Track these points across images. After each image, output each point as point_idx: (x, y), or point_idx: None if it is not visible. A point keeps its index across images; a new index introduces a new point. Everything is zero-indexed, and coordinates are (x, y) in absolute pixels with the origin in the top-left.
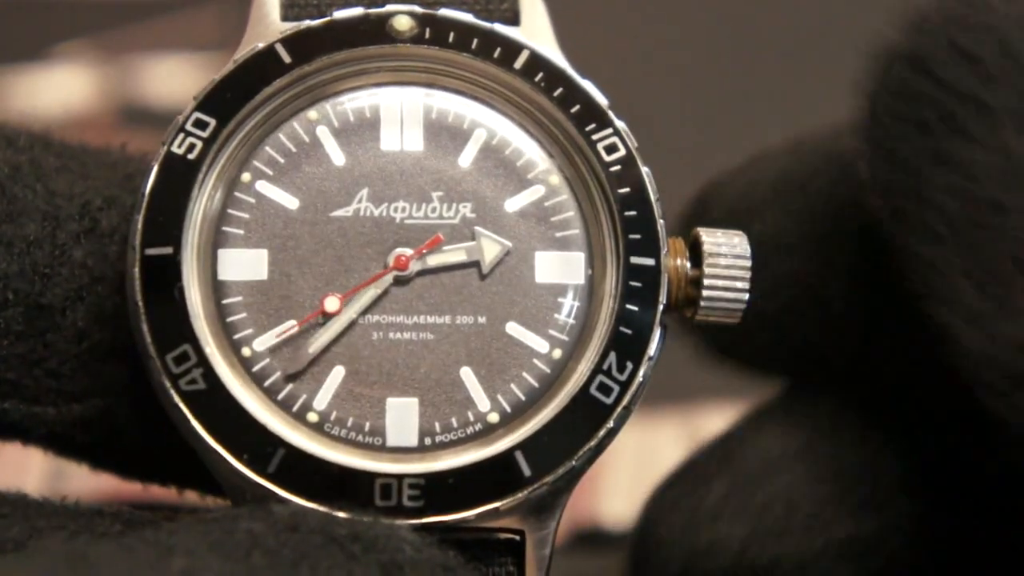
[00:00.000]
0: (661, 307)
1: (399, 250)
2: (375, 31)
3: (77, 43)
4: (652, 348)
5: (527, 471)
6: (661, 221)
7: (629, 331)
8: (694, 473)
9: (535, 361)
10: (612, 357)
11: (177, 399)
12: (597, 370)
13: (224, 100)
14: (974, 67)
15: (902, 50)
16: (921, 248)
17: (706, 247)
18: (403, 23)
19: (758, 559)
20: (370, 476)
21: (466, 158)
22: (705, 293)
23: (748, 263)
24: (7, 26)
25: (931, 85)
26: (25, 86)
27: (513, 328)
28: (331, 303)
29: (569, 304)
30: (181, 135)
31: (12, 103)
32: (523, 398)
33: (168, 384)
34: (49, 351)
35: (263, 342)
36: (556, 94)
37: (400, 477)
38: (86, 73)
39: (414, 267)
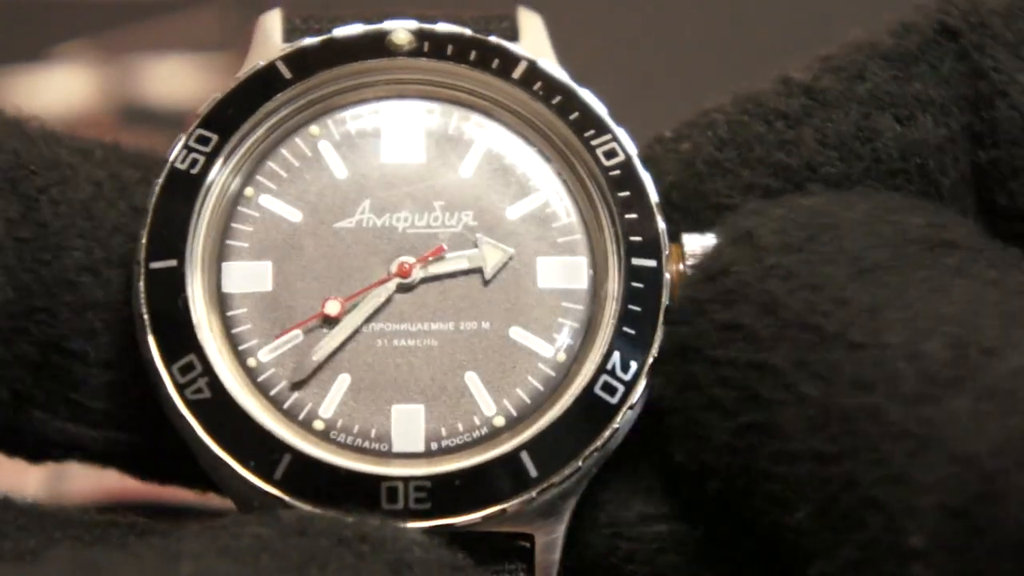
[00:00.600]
0: (664, 307)
1: (402, 258)
2: (374, 46)
3: (77, 43)
4: (655, 348)
5: (533, 471)
6: (662, 224)
7: (632, 331)
8: None
9: (539, 365)
10: (616, 357)
11: (183, 408)
12: (601, 370)
13: (226, 116)
14: (745, 336)
15: (678, 345)
16: (781, 518)
17: (687, 248)
18: (401, 37)
19: None
20: (376, 479)
21: (467, 167)
22: None
23: None
24: (7, 26)
25: (712, 369)
26: (25, 86)
27: (517, 333)
28: (332, 306)
29: (572, 307)
30: (184, 151)
31: (12, 103)
32: (528, 401)
33: (174, 393)
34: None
35: (268, 352)
36: (554, 102)
37: (406, 480)
38: (86, 73)
39: (417, 275)
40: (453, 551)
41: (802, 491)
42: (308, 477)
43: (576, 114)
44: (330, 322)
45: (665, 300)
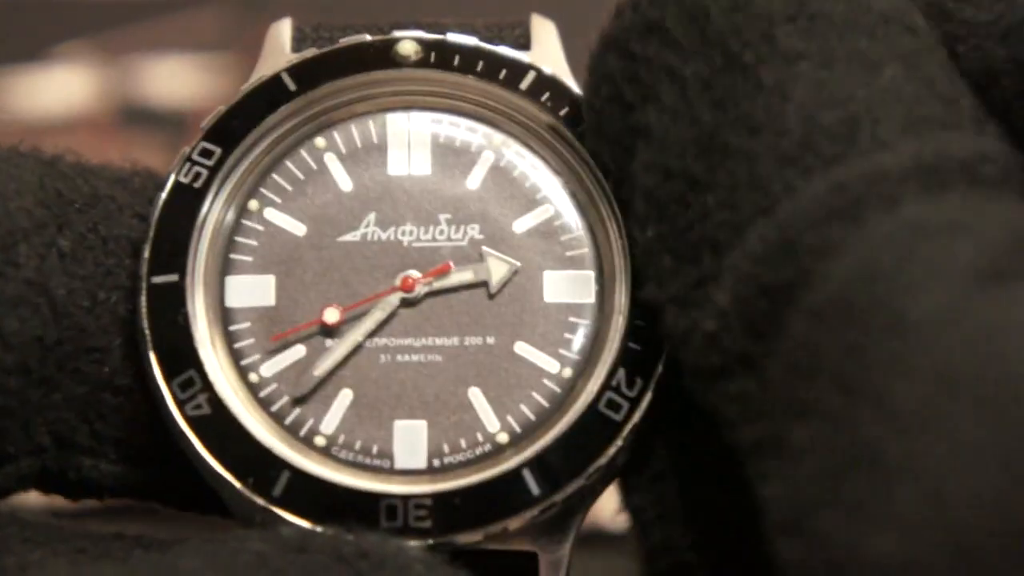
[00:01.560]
0: None
1: (406, 272)
2: (380, 57)
3: (77, 43)
4: (662, 363)
5: (535, 489)
6: None
7: (638, 347)
8: None
9: (544, 381)
10: (621, 374)
11: (183, 424)
12: (606, 387)
13: (230, 129)
14: (664, 39)
15: (604, 34)
16: (633, 230)
17: None
18: (408, 48)
19: None
20: (375, 497)
21: (474, 180)
22: None
23: None
24: (7, 26)
25: (628, 63)
26: (25, 86)
27: (522, 348)
28: (330, 314)
29: (578, 323)
30: (187, 164)
31: (12, 103)
32: (533, 418)
33: (174, 410)
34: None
35: (270, 367)
36: (563, 113)
37: (406, 498)
38: (86, 73)
39: (421, 289)
40: (456, 569)
41: (661, 208)
42: (307, 494)
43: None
44: (330, 333)
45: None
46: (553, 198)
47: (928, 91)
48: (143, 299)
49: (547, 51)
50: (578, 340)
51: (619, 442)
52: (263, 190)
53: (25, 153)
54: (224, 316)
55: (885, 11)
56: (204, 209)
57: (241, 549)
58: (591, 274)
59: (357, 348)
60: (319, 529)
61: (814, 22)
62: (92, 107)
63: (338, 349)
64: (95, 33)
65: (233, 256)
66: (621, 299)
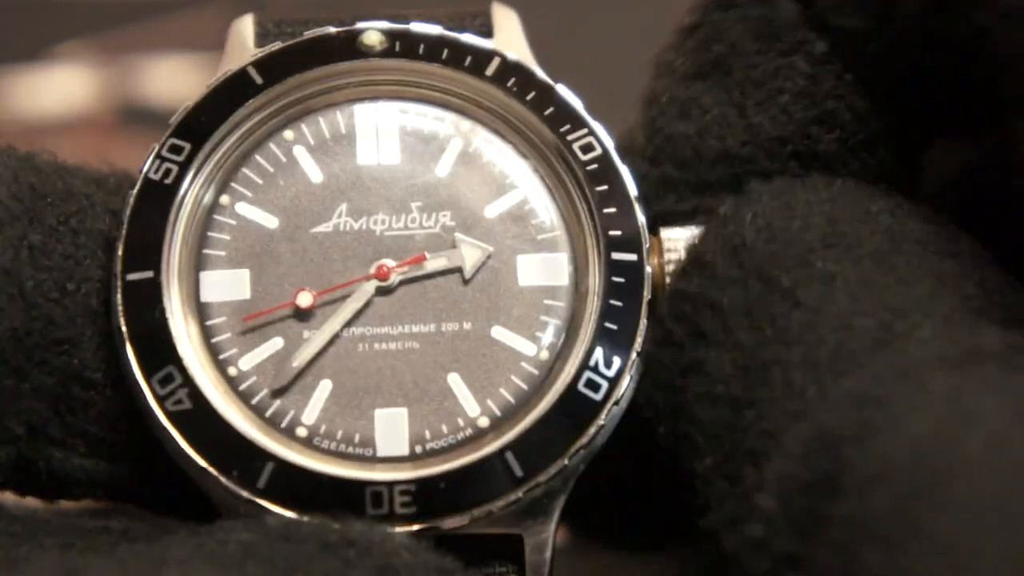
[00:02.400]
0: (646, 301)
1: (380, 261)
2: (345, 48)
3: (77, 43)
4: (639, 342)
5: (519, 471)
6: (642, 217)
7: (615, 327)
8: None
9: (522, 364)
10: (599, 353)
11: (164, 420)
12: (584, 367)
13: (198, 124)
14: (705, 273)
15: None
16: (692, 463)
17: (665, 242)
18: (373, 38)
19: None
20: (360, 485)
21: (443, 167)
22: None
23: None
24: (7, 26)
25: (675, 301)
26: (25, 86)
27: (498, 332)
28: (303, 298)
29: (553, 305)
30: (157, 161)
31: (12, 103)
32: (512, 401)
33: (154, 406)
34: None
35: (248, 360)
36: (529, 98)
37: (391, 484)
38: (86, 73)
39: (396, 277)
40: (441, 554)
41: (714, 437)
42: (291, 485)
43: (551, 109)
44: (306, 319)
45: (647, 294)
46: (523, 183)
47: (963, 303)
48: (119, 296)
49: (510, 39)
50: (554, 322)
51: (600, 421)
52: (234, 184)
53: (1, 149)
54: (200, 311)
55: (922, 238)
56: (175, 205)
57: (228, 539)
58: (564, 256)
59: (335, 338)
60: (305, 518)
61: (850, 250)
62: (92, 107)
63: (316, 340)
64: (95, 33)
65: (207, 251)
66: (595, 280)
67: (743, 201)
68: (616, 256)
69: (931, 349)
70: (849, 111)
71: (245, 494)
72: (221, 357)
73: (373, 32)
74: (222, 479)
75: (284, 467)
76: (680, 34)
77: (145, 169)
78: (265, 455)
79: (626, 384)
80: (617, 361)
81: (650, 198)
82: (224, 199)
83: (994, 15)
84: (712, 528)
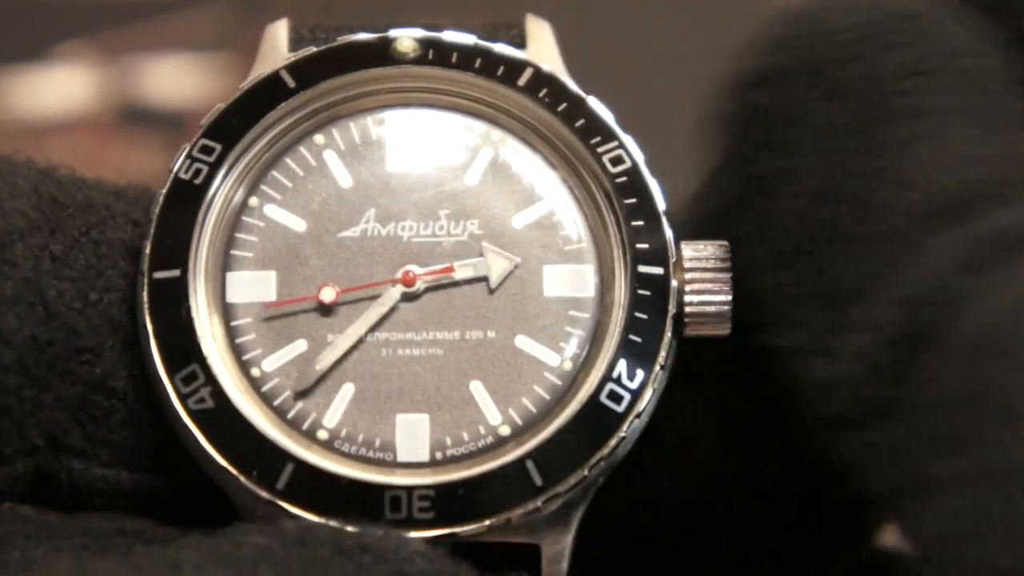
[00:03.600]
0: (671, 315)
1: (407, 267)
2: (379, 54)
3: (77, 43)
4: (662, 356)
5: (539, 480)
6: (669, 231)
7: (639, 339)
8: None
9: (545, 374)
10: (622, 365)
11: (186, 418)
12: (607, 378)
13: (229, 126)
14: (816, 81)
15: (749, 72)
16: (761, 274)
17: (685, 257)
18: (406, 45)
19: None
20: (380, 489)
21: (472, 176)
22: (688, 301)
23: (727, 273)
24: (7, 26)
25: (776, 102)
26: (25, 86)
27: (522, 341)
28: (327, 293)
29: (578, 316)
30: (188, 161)
31: (12, 103)
32: (534, 410)
33: (177, 404)
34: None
35: (272, 362)
36: (560, 109)
37: (410, 489)
38: (86, 73)
39: (422, 284)
40: (456, 562)
41: (799, 256)
42: (311, 487)
43: (582, 121)
44: (328, 319)
45: (672, 308)
46: (551, 194)
47: None
48: (145, 294)
49: (543, 50)
50: (578, 333)
51: (621, 433)
52: (263, 187)
53: (20, 162)
54: (225, 311)
55: (1004, 80)
56: (204, 205)
57: (243, 542)
58: (590, 268)
59: (359, 343)
60: (321, 522)
61: (964, 79)
62: (92, 107)
63: (340, 343)
64: (95, 33)
65: (234, 252)
66: (620, 292)
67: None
68: (643, 269)
69: None
70: None
71: (264, 495)
72: (245, 358)
73: (406, 39)
74: (242, 479)
75: (304, 469)
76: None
77: (175, 168)
78: (286, 456)
79: (648, 397)
80: (640, 374)
81: None
82: (253, 201)
83: None
84: (779, 343)
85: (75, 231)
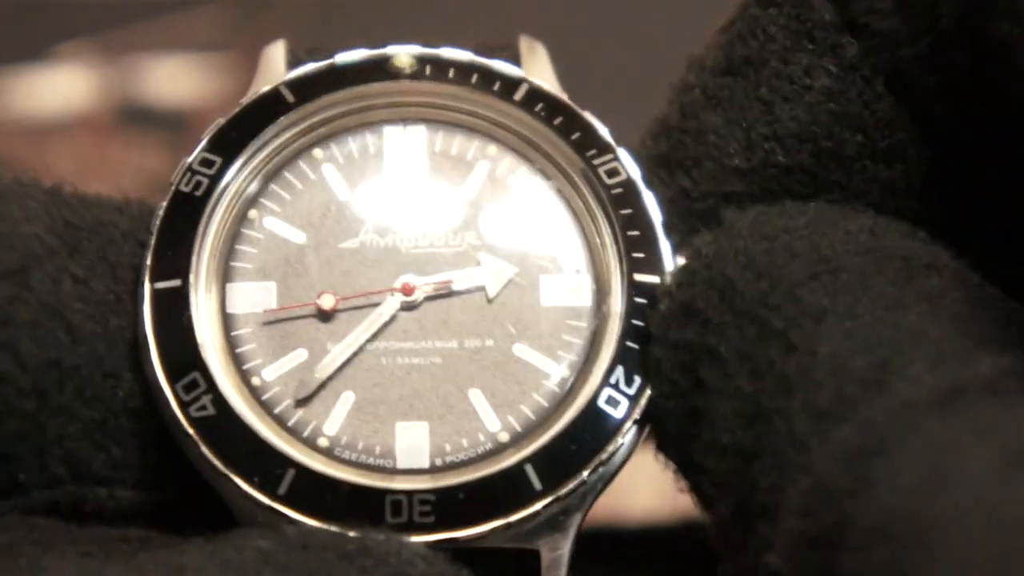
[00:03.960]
0: None
1: (406, 276)
2: (376, 69)
3: (77, 43)
4: (653, 360)
5: (538, 484)
6: (665, 241)
7: (636, 346)
8: None
9: (543, 381)
10: (620, 371)
11: (187, 426)
12: (604, 383)
13: (230, 139)
14: (699, 320)
15: (651, 329)
16: (706, 512)
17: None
18: (404, 61)
19: None
20: (381, 493)
21: (469, 189)
22: None
23: None
24: (7, 26)
25: (673, 352)
26: (25, 86)
27: (521, 350)
28: (326, 300)
29: (576, 325)
30: (188, 174)
31: (12, 103)
32: (533, 417)
33: (178, 412)
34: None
35: (272, 371)
36: (556, 123)
37: (410, 493)
38: (86, 73)
39: (420, 294)
40: (457, 566)
41: (726, 487)
42: (312, 492)
43: (578, 134)
44: (328, 328)
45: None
46: (548, 205)
47: (953, 325)
48: (146, 304)
49: (537, 71)
50: (576, 342)
51: (619, 439)
52: (263, 200)
53: (28, 183)
54: (226, 322)
55: (907, 255)
56: (204, 217)
57: (245, 546)
58: (588, 277)
59: (359, 351)
60: (323, 527)
61: (837, 276)
62: (92, 107)
63: (340, 352)
64: (95, 33)
65: (233, 264)
66: (617, 302)
67: (723, 236)
68: (639, 278)
69: (923, 388)
70: (874, 116)
71: (266, 500)
72: (245, 367)
73: (404, 55)
74: (243, 485)
75: (305, 474)
76: (716, 32)
77: (175, 182)
78: (287, 462)
79: (647, 403)
80: (638, 380)
81: (665, 183)
82: (253, 213)
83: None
84: (729, 573)
85: (93, 254)
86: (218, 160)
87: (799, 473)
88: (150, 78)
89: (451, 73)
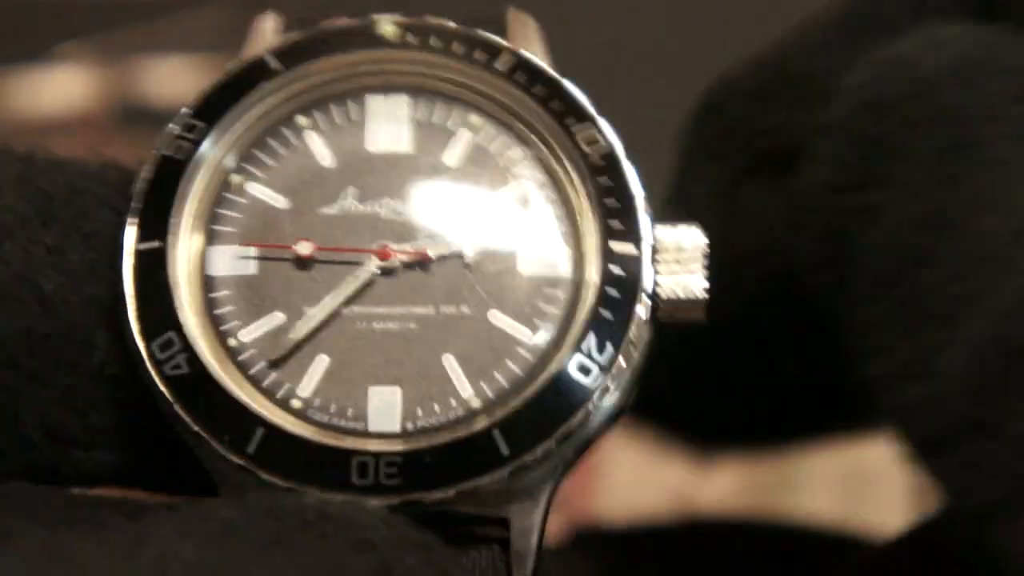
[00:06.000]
0: (642, 292)
1: (383, 242)
2: (361, 38)
3: (77, 43)
4: (632, 330)
5: (504, 449)
6: (644, 211)
7: (610, 315)
8: None
9: (518, 349)
10: (591, 339)
11: (160, 384)
12: (575, 350)
13: (212, 104)
14: (895, 116)
15: (826, 119)
16: (850, 309)
17: (661, 240)
18: (388, 29)
19: None
20: (347, 454)
21: (451, 157)
22: (661, 284)
23: (703, 259)
24: (7, 26)
25: (855, 143)
26: (25, 86)
27: (496, 317)
28: (303, 246)
29: (552, 293)
30: (171, 139)
31: (12, 103)
32: (506, 385)
33: (152, 370)
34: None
35: (249, 333)
36: (536, 91)
37: (377, 455)
38: (86, 73)
39: (396, 260)
40: (420, 530)
41: (888, 288)
42: (281, 451)
43: (557, 102)
44: (304, 266)
45: (644, 287)
46: (527, 174)
47: None
48: (125, 265)
49: (525, 44)
50: (551, 310)
51: (589, 406)
52: (245, 164)
53: (2, 149)
54: (205, 284)
55: None
56: (185, 180)
57: (209, 516)
58: (565, 247)
59: (334, 315)
60: (287, 492)
61: None
62: (92, 107)
63: (315, 314)
64: (95, 33)
65: (215, 227)
66: (593, 271)
67: (922, 41)
68: (615, 247)
69: None
70: None
71: (235, 459)
72: (222, 328)
73: (388, 23)
74: (214, 443)
75: (274, 433)
76: None
77: (159, 148)
78: (256, 420)
79: (620, 373)
80: (610, 348)
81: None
82: (235, 179)
83: None
84: (881, 377)
85: (67, 222)
86: (201, 124)
87: (996, 285)
88: (150, 78)
89: (433, 41)
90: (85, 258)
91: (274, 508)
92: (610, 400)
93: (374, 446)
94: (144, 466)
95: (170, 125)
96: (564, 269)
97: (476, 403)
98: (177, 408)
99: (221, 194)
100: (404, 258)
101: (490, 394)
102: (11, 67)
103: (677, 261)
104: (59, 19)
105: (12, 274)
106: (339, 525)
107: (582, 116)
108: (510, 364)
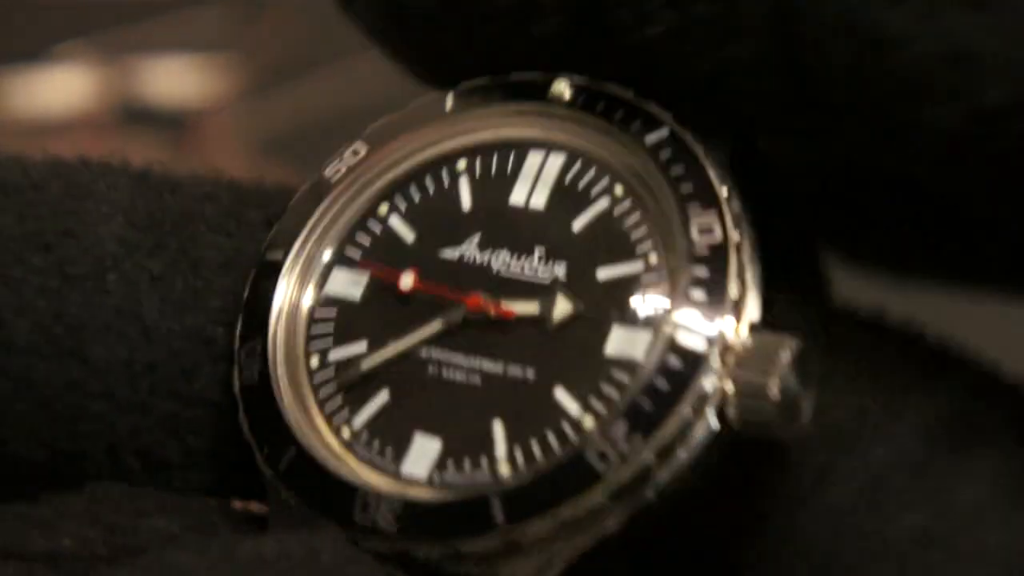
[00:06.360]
0: (695, 391)
1: (480, 291)
2: (535, 91)
3: (77, 43)
4: (666, 430)
5: (499, 518)
6: (731, 309)
7: (649, 409)
8: None
9: (563, 424)
10: (621, 427)
11: (236, 388)
12: (600, 435)
13: (382, 133)
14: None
15: None
16: None
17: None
18: (561, 88)
19: None
20: (353, 490)
21: (580, 223)
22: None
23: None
24: (7, 26)
25: None
26: (25, 86)
27: (559, 390)
28: (406, 280)
29: (623, 379)
30: (336, 160)
31: (12, 103)
32: (538, 457)
33: (235, 374)
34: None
35: (334, 354)
36: (673, 170)
37: (379, 497)
38: (86, 73)
39: (484, 314)
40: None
41: None
42: (303, 474)
43: (689, 184)
44: (394, 314)
45: (708, 388)
46: (646, 256)
47: None
48: (253, 273)
49: None
50: (613, 395)
51: (597, 497)
52: (396, 197)
53: (116, 168)
54: (316, 300)
55: None
56: (330, 198)
57: (235, 552)
58: (650, 335)
59: (408, 354)
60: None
61: None
62: (92, 107)
63: (391, 350)
64: (95, 33)
65: (347, 248)
66: (654, 356)
67: None
68: (681, 340)
69: None
70: None
71: (269, 473)
72: (311, 346)
73: (564, 83)
74: (257, 455)
75: (302, 455)
76: None
77: (324, 168)
78: (290, 440)
79: (636, 464)
80: (637, 439)
81: None
82: (382, 208)
83: None
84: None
85: (173, 249)
86: (364, 149)
87: None
88: (150, 78)
89: (600, 107)
90: (190, 286)
91: (260, 551)
92: (623, 495)
93: (386, 487)
94: (234, 480)
95: (343, 146)
96: (640, 355)
97: (504, 469)
98: (241, 415)
99: (363, 219)
100: (491, 312)
101: (521, 462)
102: (11, 67)
103: (749, 373)
104: (59, 19)
105: (114, 306)
106: (322, 570)
107: (709, 203)
108: (550, 437)
